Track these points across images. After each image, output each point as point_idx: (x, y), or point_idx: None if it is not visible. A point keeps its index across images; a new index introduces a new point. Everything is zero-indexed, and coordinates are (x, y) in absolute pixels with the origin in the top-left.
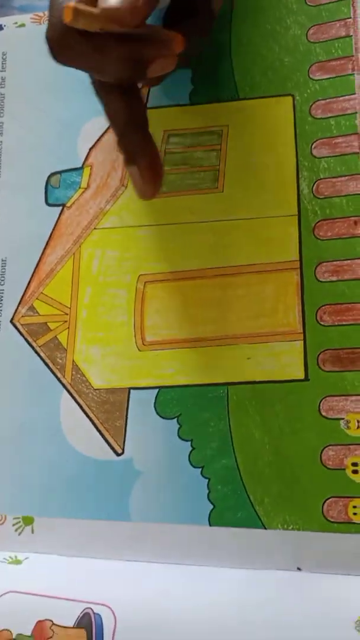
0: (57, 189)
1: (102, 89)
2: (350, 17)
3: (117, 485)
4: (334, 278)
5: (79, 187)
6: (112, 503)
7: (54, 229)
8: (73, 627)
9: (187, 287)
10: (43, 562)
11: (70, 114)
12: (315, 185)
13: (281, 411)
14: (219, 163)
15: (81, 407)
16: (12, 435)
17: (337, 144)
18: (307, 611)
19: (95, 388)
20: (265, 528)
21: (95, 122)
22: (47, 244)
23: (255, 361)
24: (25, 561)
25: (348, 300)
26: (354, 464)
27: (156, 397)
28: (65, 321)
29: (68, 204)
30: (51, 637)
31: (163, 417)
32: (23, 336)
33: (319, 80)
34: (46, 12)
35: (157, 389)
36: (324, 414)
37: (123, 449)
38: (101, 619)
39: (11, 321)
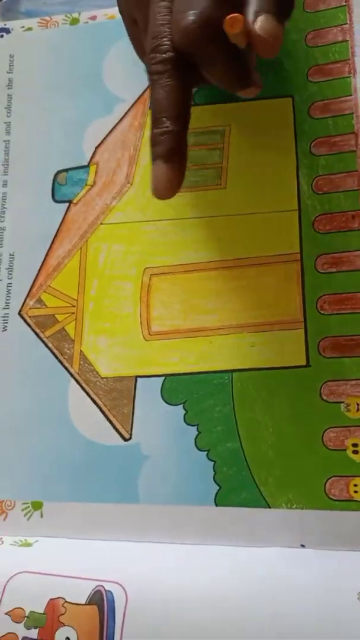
0: (64, 186)
1: (168, 78)
2: (346, 23)
3: (125, 469)
4: (333, 269)
5: (86, 184)
6: (121, 486)
7: (61, 225)
8: (85, 605)
9: (191, 279)
10: (53, 544)
11: (76, 114)
12: (314, 181)
13: (284, 396)
14: (221, 161)
15: (89, 395)
16: (21, 423)
17: (335, 143)
18: (312, 585)
19: (102, 377)
20: (269, 507)
21: (100, 121)
22: (54, 238)
23: (258, 349)
24: (35, 544)
25: (347, 290)
26: (354, 445)
27: (162, 385)
28: (73, 313)
29: (75, 201)
30: (63, 614)
31: (169, 404)
32: (31, 327)
33: (317, 82)
34: (52, 17)
35: (163, 377)
36: (325, 398)
37: (131, 435)
38: (113, 595)
39: (19, 313)
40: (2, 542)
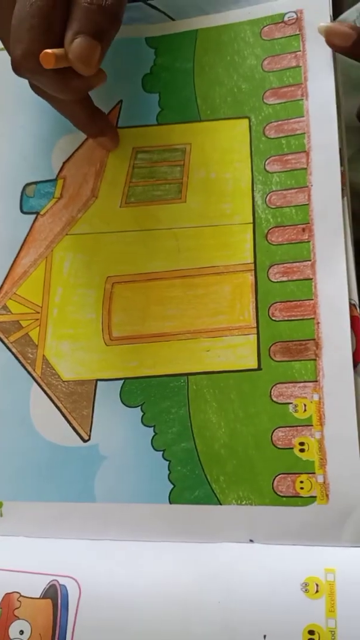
0: (32, 198)
1: (51, 98)
2: (299, 50)
3: (83, 469)
4: (285, 278)
5: (53, 197)
6: (79, 486)
7: (28, 235)
8: (40, 598)
9: (151, 287)
10: (10, 542)
11: (45, 130)
12: (268, 196)
13: (236, 398)
14: (182, 177)
15: (50, 397)
16: None
17: (287, 161)
18: (259, 578)
19: (64, 380)
20: (220, 504)
21: (69, 137)
22: (21, 248)
23: (213, 353)
24: None
25: (296, 297)
26: (301, 444)
27: (121, 388)
28: (37, 319)
29: (42, 212)
30: (18, 607)
31: (127, 406)
32: None
33: (272, 104)
34: None
35: (123, 380)
36: (274, 399)
37: (89, 436)
38: (67, 589)
39: None
40: None
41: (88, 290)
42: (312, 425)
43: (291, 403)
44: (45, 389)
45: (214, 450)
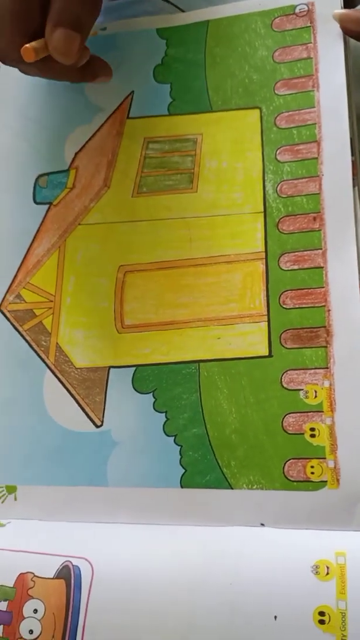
0: (44, 188)
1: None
2: (310, 42)
3: (96, 454)
4: (295, 267)
5: (65, 187)
6: (91, 470)
7: (41, 225)
8: (53, 579)
9: (163, 276)
10: (25, 524)
11: (57, 122)
12: (279, 186)
13: (247, 384)
14: (193, 167)
15: (63, 384)
16: None
17: (298, 150)
18: (270, 560)
19: (77, 367)
20: (232, 488)
21: (81, 129)
22: (34, 238)
23: (224, 340)
24: (8, 524)
25: (307, 285)
26: (312, 429)
27: (133, 374)
28: (50, 308)
29: (55, 202)
30: (32, 587)
31: (139, 392)
32: (10, 321)
33: (283, 95)
34: None
35: (135, 367)
36: (285, 385)
37: (102, 421)
38: (80, 570)
39: None
40: None
41: (100, 279)
42: (322, 412)
43: (302, 389)
44: (59, 375)
45: (225, 436)
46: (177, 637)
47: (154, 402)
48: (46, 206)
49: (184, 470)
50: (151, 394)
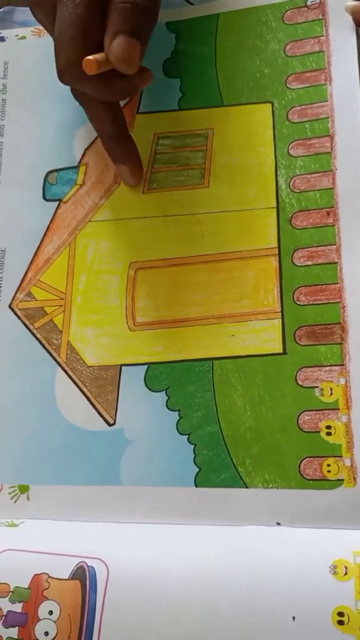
0: (54, 185)
1: (88, 103)
2: (322, 35)
3: (109, 453)
4: (309, 262)
5: (75, 184)
6: (104, 470)
7: (51, 222)
8: (68, 580)
9: (175, 272)
10: (38, 524)
11: (67, 118)
12: (292, 180)
13: (261, 382)
14: (205, 162)
15: (75, 383)
16: (9, 410)
17: (311, 145)
18: (287, 560)
19: (89, 365)
20: (247, 487)
21: (90, 125)
22: (44, 235)
23: (237, 338)
24: (21, 524)
25: (321, 281)
26: (328, 427)
27: (146, 372)
28: (61, 305)
29: (65, 199)
30: (47, 588)
31: (152, 390)
32: (21, 319)
33: (295, 89)
34: None
35: (147, 365)
36: (300, 383)
37: (115, 420)
38: (95, 570)
39: (9, 306)
40: None
41: (112, 276)
42: (338, 409)
43: (317, 387)
44: (70, 374)
45: (239, 434)
46: (194, 637)
47: (167, 400)
48: (56, 203)
49: (198, 469)
50: (164, 392)
